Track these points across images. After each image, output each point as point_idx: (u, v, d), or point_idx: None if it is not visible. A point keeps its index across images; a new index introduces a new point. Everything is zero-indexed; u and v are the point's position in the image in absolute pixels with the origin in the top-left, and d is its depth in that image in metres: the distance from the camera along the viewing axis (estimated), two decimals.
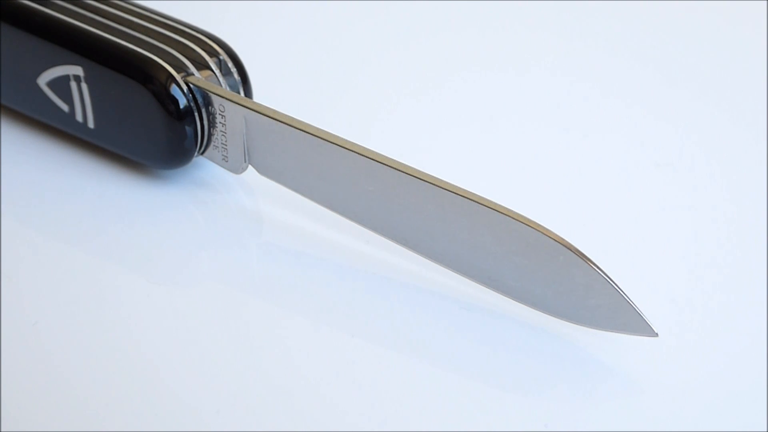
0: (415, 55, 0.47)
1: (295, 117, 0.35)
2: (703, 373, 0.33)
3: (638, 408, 0.32)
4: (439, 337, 0.34)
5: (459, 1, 0.50)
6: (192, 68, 0.37)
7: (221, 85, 0.37)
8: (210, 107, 0.37)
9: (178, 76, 0.36)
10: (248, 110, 0.36)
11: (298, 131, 0.35)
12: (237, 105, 0.36)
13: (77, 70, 0.37)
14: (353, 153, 0.34)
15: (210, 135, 0.37)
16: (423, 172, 0.34)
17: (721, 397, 0.33)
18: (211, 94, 0.36)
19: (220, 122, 0.37)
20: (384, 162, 0.34)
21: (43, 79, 0.38)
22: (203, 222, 0.38)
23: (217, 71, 0.37)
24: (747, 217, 0.39)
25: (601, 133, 0.43)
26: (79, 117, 0.38)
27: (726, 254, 0.37)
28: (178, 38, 0.38)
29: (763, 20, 0.49)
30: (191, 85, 0.37)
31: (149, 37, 0.37)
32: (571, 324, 0.33)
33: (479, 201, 0.33)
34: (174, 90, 0.36)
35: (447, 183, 0.33)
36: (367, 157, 0.34)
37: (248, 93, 0.38)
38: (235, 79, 0.38)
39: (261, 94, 0.39)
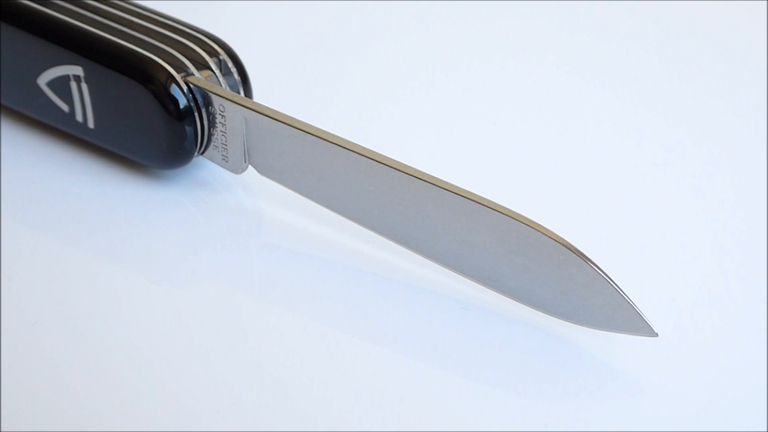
0: (415, 55, 0.47)
1: (295, 117, 0.35)
2: (703, 373, 0.33)
3: (638, 408, 0.32)
4: (438, 337, 0.34)
5: (459, 1, 0.50)
6: (192, 68, 0.37)
7: (221, 85, 0.37)
8: (210, 107, 0.37)
9: (178, 76, 0.36)
10: (248, 110, 0.36)
11: (298, 131, 0.35)
12: (237, 105, 0.36)
13: (77, 70, 0.37)
14: (353, 153, 0.34)
15: (210, 135, 0.37)
16: (423, 172, 0.34)
17: (721, 397, 0.33)
18: (211, 94, 0.36)
19: (220, 122, 0.37)
20: (384, 162, 0.34)
21: (43, 79, 0.38)
22: (203, 222, 0.38)
23: (217, 71, 0.37)
24: (747, 216, 0.39)
25: (601, 133, 0.43)
26: (79, 117, 0.38)
27: (726, 254, 0.37)
28: (178, 38, 0.38)
29: (763, 20, 0.49)
30: (191, 85, 0.37)
31: (149, 37, 0.37)
32: (571, 324, 0.33)
33: (479, 201, 0.33)
34: (174, 90, 0.36)
35: (447, 183, 0.33)
36: (367, 157, 0.34)
37: (248, 93, 0.38)
38: (235, 79, 0.38)
39: (261, 94, 0.39)
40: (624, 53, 0.47)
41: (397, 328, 0.34)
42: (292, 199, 0.37)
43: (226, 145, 0.37)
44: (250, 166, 0.37)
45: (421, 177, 0.34)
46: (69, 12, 0.38)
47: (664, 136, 0.43)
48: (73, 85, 0.38)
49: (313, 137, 0.35)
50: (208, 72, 0.37)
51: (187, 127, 0.37)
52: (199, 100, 0.37)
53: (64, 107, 0.38)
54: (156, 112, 0.36)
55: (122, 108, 0.37)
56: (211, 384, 0.32)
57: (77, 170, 0.39)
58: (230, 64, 0.38)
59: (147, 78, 0.36)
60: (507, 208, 0.33)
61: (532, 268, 0.33)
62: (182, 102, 0.36)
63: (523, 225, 0.33)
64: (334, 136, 0.35)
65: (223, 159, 0.37)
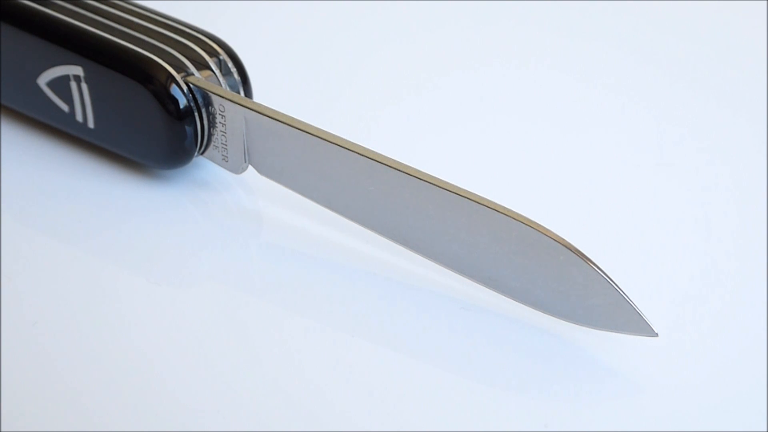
0: (415, 54, 0.47)
1: (295, 117, 0.35)
2: (703, 373, 0.33)
3: (638, 408, 0.32)
4: (438, 337, 0.34)
5: (458, 1, 0.50)
6: (192, 68, 0.37)
7: (221, 85, 0.37)
8: (210, 107, 0.37)
9: (178, 76, 0.36)
10: (248, 110, 0.36)
11: (298, 131, 0.35)
12: (237, 105, 0.36)
13: (77, 70, 0.37)
14: (353, 153, 0.34)
15: (210, 135, 0.37)
16: (423, 172, 0.34)
17: (721, 397, 0.33)
18: (211, 94, 0.36)
19: (220, 122, 0.37)
20: (384, 162, 0.34)
21: (43, 79, 0.38)
22: (203, 222, 0.38)
23: (217, 71, 0.37)
24: (747, 216, 0.39)
25: (601, 133, 0.43)
26: (79, 117, 0.38)
27: (726, 254, 0.37)
28: (178, 38, 0.38)
29: (763, 20, 0.49)
30: (191, 85, 0.37)
31: (149, 37, 0.37)
32: (571, 324, 0.33)
33: (479, 201, 0.33)
34: (174, 90, 0.36)
35: (447, 183, 0.33)
36: (367, 157, 0.34)
37: (248, 93, 0.38)
38: (235, 79, 0.38)
39: (261, 94, 0.39)
40: (625, 53, 0.47)
41: (397, 328, 0.34)
42: (292, 199, 0.37)
43: (226, 145, 0.37)
44: (250, 166, 0.37)
45: (421, 177, 0.34)
46: (69, 12, 0.38)
47: (663, 136, 0.43)
48: (73, 85, 0.38)
49: (313, 137, 0.35)
50: (208, 72, 0.37)
51: (187, 127, 0.37)
52: (199, 100, 0.37)
53: (64, 107, 0.38)
54: (156, 112, 0.36)
55: (122, 108, 0.37)
56: (211, 384, 0.32)
57: (77, 170, 0.39)
58: (230, 64, 0.38)
59: (147, 78, 0.36)
60: (507, 208, 0.33)
61: (532, 268, 0.33)
62: (182, 102, 0.36)
63: (523, 225, 0.33)
64: (334, 136, 0.35)
65: (223, 159, 0.37)
